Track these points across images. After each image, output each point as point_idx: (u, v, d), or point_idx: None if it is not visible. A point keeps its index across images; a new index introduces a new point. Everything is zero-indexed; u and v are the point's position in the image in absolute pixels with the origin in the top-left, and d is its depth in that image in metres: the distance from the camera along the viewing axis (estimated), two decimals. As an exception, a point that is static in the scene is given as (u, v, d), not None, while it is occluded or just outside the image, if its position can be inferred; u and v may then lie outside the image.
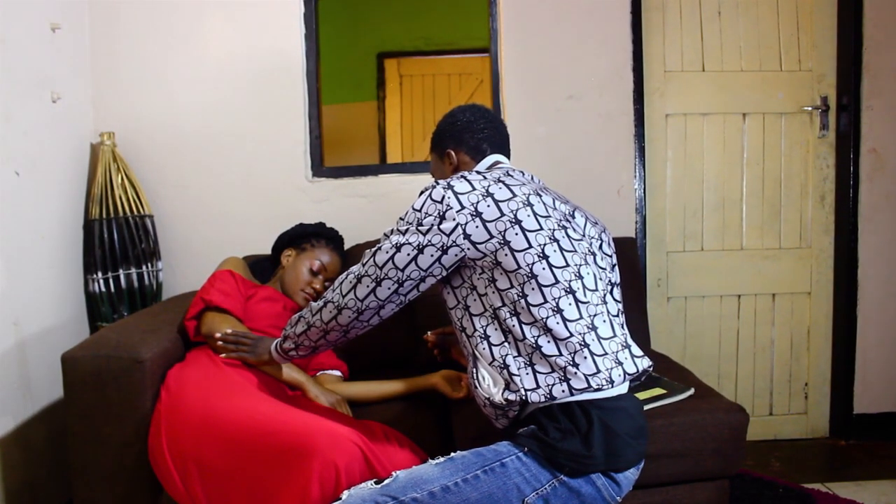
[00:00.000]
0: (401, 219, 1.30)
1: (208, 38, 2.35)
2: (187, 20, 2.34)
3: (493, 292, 1.26)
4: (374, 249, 1.29)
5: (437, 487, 1.14)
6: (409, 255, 1.25)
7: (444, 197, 1.25)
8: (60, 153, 2.14)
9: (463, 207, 1.24)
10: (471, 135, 1.49)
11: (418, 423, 1.64)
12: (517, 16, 2.39)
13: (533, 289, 1.22)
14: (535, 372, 1.21)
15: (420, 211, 1.27)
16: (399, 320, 2.01)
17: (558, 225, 1.29)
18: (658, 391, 1.63)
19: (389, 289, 1.27)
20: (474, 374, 1.28)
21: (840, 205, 2.51)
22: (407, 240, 1.26)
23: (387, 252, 1.26)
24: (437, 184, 1.29)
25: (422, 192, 1.29)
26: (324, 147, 2.44)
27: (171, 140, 2.35)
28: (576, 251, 1.29)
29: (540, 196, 1.31)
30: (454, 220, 1.23)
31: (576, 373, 1.19)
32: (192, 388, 1.49)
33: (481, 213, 1.24)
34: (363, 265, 1.30)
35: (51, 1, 2.11)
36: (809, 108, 2.50)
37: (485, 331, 1.26)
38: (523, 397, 1.19)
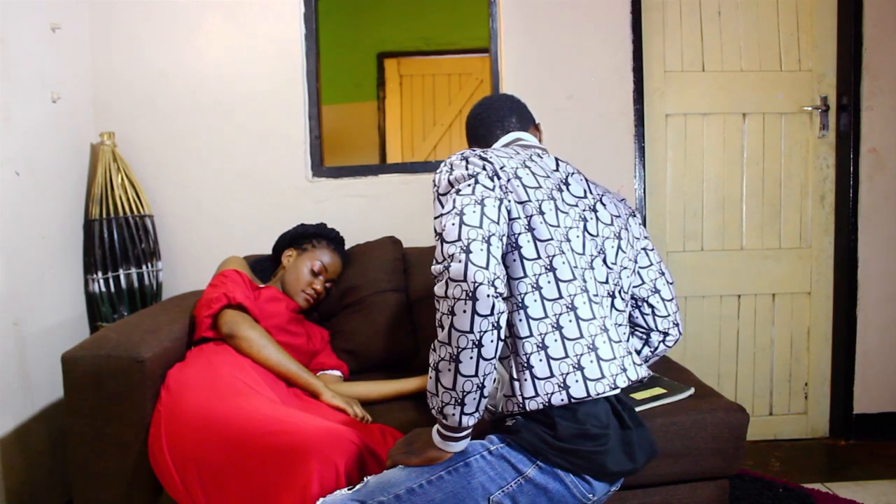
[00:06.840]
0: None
1: (208, 38, 2.35)
2: (187, 20, 2.34)
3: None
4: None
5: (403, 490, 1.13)
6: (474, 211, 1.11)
7: (472, 157, 1.20)
8: (60, 153, 2.14)
9: (504, 167, 1.20)
10: (485, 127, 1.47)
11: (418, 423, 1.64)
12: (517, 16, 2.39)
13: (549, 282, 1.18)
14: (534, 378, 1.17)
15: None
16: (399, 320, 2.02)
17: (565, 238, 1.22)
18: (658, 391, 1.63)
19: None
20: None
21: (840, 205, 2.51)
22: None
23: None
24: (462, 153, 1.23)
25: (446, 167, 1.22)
26: (324, 147, 2.44)
27: (171, 140, 2.35)
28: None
29: (555, 202, 1.24)
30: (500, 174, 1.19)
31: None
32: (192, 388, 1.49)
33: (521, 177, 1.21)
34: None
35: (51, 1, 2.11)
36: (809, 108, 2.50)
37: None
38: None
